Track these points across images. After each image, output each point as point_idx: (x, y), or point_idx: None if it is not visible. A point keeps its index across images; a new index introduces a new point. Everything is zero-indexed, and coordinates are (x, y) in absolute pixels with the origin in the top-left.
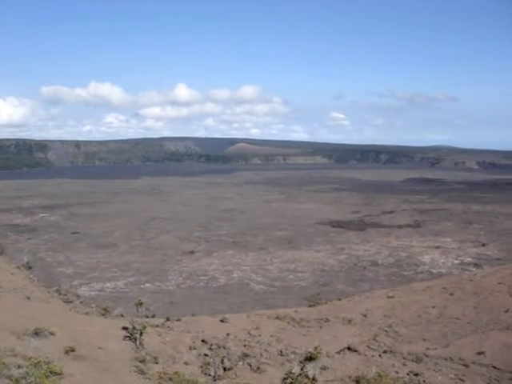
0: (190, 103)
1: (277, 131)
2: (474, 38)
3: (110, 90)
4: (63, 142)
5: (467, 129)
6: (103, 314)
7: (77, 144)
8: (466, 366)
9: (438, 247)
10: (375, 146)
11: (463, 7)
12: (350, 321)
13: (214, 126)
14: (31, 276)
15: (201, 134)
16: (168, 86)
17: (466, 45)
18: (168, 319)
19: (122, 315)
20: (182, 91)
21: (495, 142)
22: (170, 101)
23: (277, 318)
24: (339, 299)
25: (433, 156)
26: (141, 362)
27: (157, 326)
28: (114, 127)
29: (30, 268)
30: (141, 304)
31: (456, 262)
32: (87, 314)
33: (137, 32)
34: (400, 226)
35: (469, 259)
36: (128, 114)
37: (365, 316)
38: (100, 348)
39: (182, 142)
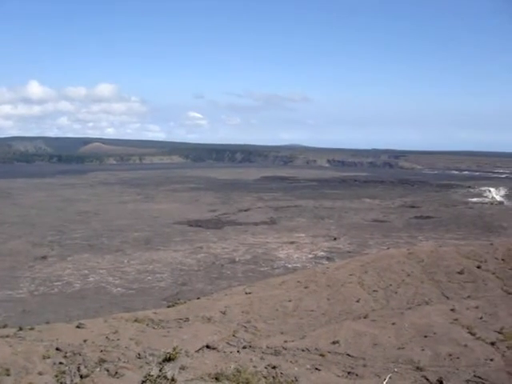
0: (42, 101)
1: (133, 131)
2: (323, 42)
3: None
4: None
5: (319, 128)
6: None
7: None
8: (322, 355)
9: (292, 243)
10: (231, 145)
11: (317, 12)
12: (209, 319)
13: (68, 125)
14: None
15: (53, 133)
16: (19, 82)
17: (317, 48)
18: (21, 328)
19: None
20: (35, 88)
21: (344, 141)
22: (21, 98)
23: (136, 320)
24: (198, 298)
25: (286, 155)
26: None
27: (7, 336)
28: None
29: None
30: None
31: (310, 256)
32: None
33: None
34: (256, 224)
35: (322, 253)
36: None
37: (224, 313)
38: None
39: (32, 142)
